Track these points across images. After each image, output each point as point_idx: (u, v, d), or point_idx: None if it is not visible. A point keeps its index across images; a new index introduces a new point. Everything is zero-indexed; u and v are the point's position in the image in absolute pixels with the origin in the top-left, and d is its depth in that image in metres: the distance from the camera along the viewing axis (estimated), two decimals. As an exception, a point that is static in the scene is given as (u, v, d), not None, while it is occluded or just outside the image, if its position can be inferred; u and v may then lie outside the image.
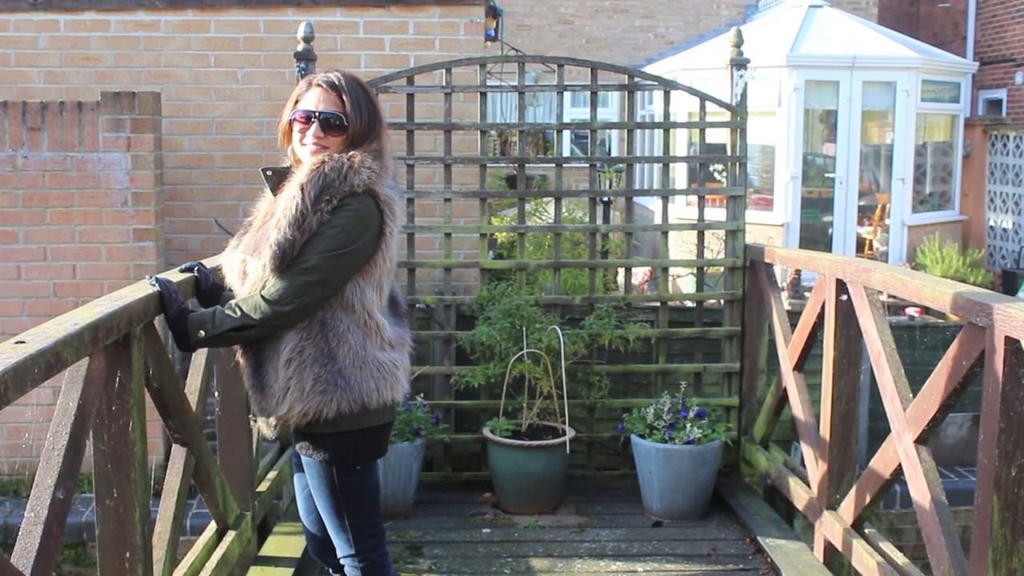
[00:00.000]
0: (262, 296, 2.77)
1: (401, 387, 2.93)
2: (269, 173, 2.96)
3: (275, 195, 2.89)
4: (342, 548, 2.99)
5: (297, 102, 2.91)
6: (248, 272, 2.83)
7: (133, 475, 2.75)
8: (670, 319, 5.61)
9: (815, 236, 10.73)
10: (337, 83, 2.86)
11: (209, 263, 3.58)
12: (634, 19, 15.87)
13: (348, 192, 2.76)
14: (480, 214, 5.56)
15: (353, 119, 2.84)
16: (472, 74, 5.90)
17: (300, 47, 5.25)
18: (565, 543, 4.72)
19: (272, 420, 2.86)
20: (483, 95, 5.50)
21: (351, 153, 2.81)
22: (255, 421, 3.06)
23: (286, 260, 2.75)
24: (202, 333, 2.82)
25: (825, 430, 4.17)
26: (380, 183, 2.83)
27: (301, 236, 2.74)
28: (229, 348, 3.99)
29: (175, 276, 3.24)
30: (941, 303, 3.15)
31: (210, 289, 3.16)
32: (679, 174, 10.81)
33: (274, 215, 2.81)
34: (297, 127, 2.89)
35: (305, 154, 2.87)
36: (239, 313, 2.78)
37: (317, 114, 2.84)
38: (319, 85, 2.87)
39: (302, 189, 2.75)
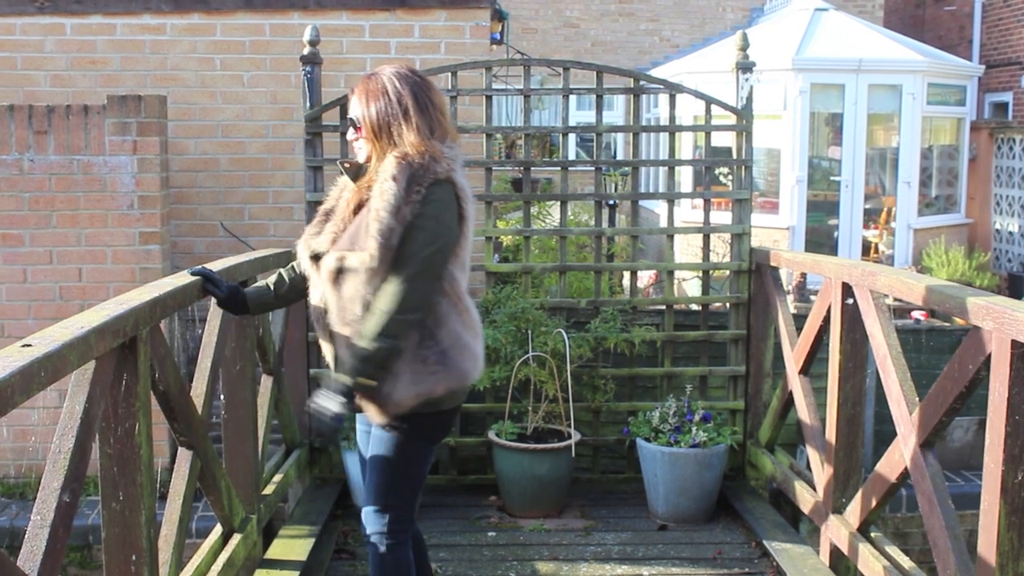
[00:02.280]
0: (389, 311, 2.88)
1: (480, 370, 3.13)
2: (347, 165, 3.13)
3: (355, 184, 3.07)
4: (369, 510, 3.14)
5: None
6: (348, 267, 2.95)
7: (139, 478, 2.76)
8: (676, 322, 5.61)
9: (821, 239, 10.72)
10: (357, 86, 3.06)
11: (215, 266, 3.59)
12: (639, 22, 15.87)
13: (432, 180, 2.93)
14: (485, 217, 5.56)
15: (362, 118, 3.02)
16: (478, 77, 5.91)
17: (306, 50, 5.25)
18: (570, 546, 4.72)
19: (388, 406, 2.99)
20: (489, 98, 5.50)
21: (430, 143, 2.97)
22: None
23: (390, 250, 2.88)
24: (370, 382, 2.94)
25: (831, 434, 4.16)
26: (457, 170, 3.01)
27: (398, 225, 2.88)
28: (236, 349, 4.00)
29: (183, 279, 3.26)
30: (947, 307, 3.15)
31: (230, 295, 3.30)
32: (684, 177, 10.80)
33: (367, 208, 2.96)
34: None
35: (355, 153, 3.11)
36: (384, 342, 2.89)
37: (350, 118, 3.07)
38: (353, 91, 3.08)
39: (395, 179, 2.90)
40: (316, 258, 3.07)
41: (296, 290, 3.35)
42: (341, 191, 3.17)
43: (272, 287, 3.35)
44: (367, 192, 3.00)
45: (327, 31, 6.64)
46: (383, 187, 2.91)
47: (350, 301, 2.96)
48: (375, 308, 2.91)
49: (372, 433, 3.16)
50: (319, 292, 3.11)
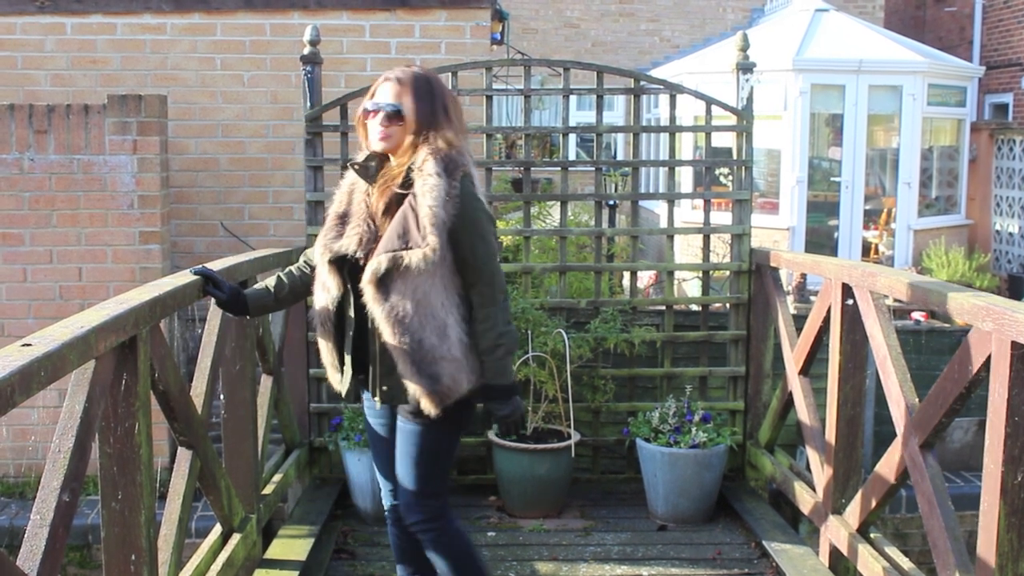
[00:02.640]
0: (488, 308, 3.12)
1: None
2: (357, 167, 3.18)
3: (372, 184, 3.13)
4: (410, 504, 3.25)
5: (372, 96, 3.16)
6: (407, 266, 2.99)
7: (139, 478, 2.76)
8: (675, 323, 5.60)
9: (821, 240, 10.72)
10: (403, 78, 3.11)
11: (215, 266, 3.59)
12: (640, 23, 15.87)
13: (463, 173, 3.08)
14: (485, 217, 5.55)
15: (412, 111, 3.08)
16: (478, 77, 5.91)
17: (306, 50, 5.25)
18: (570, 547, 4.72)
19: (448, 397, 3.09)
20: (489, 98, 5.50)
21: (463, 141, 3.14)
22: (380, 398, 3.21)
23: (444, 243, 3.01)
24: (505, 380, 3.19)
25: (831, 434, 4.16)
26: (472, 165, 3.17)
27: (449, 219, 3.01)
28: (236, 349, 4.00)
29: (183, 279, 3.26)
30: (947, 307, 3.15)
31: (231, 296, 3.32)
32: (685, 178, 10.80)
33: (410, 205, 3.02)
34: (369, 118, 3.14)
35: (372, 142, 3.13)
36: (503, 342, 3.14)
37: (381, 105, 3.09)
38: (388, 79, 3.13)
39: (439, 175, 3.02)
40: (336, 262, 3.12)
41: (295, 293, 3.41)
42: (350, 193, 3.20)
43: (272, 290, 3.37)
44: (395, 189, 3.06)
45: (327, 31, 6.65)
46: (430, 183, 3.00)
47: (401, 299, 3.02)
48: (488, 306, 3.11)
49: (403, 427, 3.23)
50: (332, 295, 3.16)
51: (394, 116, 3.08)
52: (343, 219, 3.15)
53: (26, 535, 2.24)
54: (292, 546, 4.44)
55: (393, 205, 3.07)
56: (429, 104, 3.09)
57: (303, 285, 3.40)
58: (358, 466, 4.97)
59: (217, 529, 3.86)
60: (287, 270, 3.43)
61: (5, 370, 2.01)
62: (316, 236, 4.94)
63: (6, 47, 7.16)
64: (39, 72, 7.16)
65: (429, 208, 2.98)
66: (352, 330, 3.18)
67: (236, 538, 3.86)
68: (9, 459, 6.43)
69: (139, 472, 2.76)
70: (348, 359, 3.23)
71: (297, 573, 4.16)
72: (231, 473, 3.97)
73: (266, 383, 4.67)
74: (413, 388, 3.08)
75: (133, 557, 2.76)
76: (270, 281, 3.40)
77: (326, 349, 3.28)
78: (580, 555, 4.61)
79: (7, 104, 6.30)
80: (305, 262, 3.43)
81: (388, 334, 3.04)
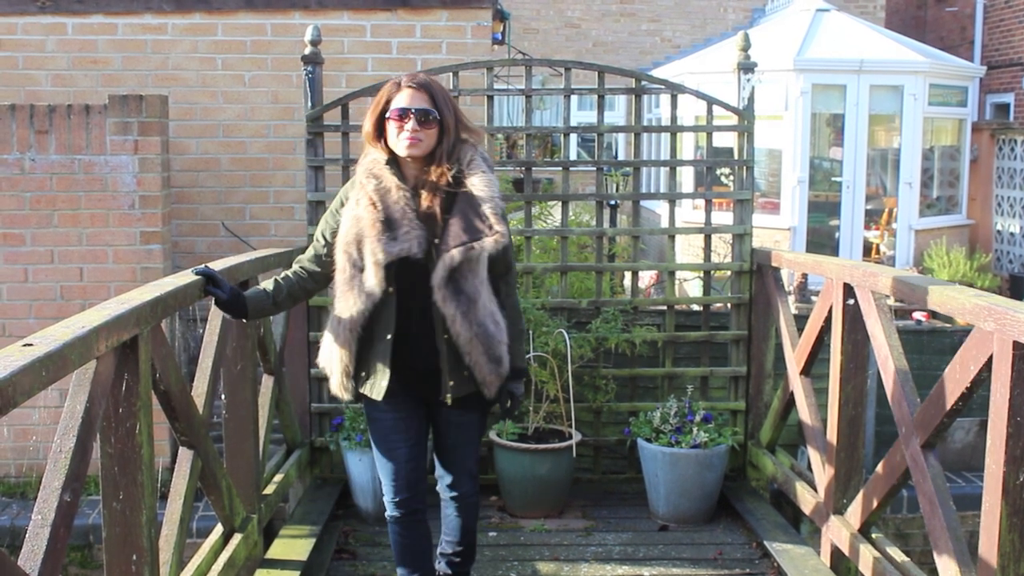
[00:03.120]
0: (514, 295, 3.46)
1: None
2: (391, 171, 3.26)
3: (408, 183, 3.23)
4: (470, 484, 3.53)
5: (387, 102, 3.22)
6: (476, 258, 3.18)
7: (140, 478, 2.76)
8: (677, 323, 5.60)
9: (822, 240, 10.72)
10: (424, 83, 3.22)
11: (216, 266, 3.59)
12: (641, 23, 15.87)
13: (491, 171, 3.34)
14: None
15: (445, 113, 3.20)
16: (479, 77, 5.91)
17: (307, 50, 5.25)
18: (571, 547, 4.72)
19: (499, 380, 3.31)
20: (490, 98, 5.50)
21: (476, 141, 3.31)
22: (448, 395, 3.31)
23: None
24: (524, 362, 3.53)
25: (832, 434, 4.16)
26: None
27: (503, 207, 3.26)
28: (237, 349, 4.00)
29: (184, 279, 3.26)
30: (948, 307, 3.15)
31: (231, 297, 3.35)
32: (686, 178, 10.80)
33: (469, 199, 3.19)
34: (393, 124, 3.19)
35: (401, 148, 3.19)
36: (523, 326, 3.56)
37: (412, 110, 3.16)
38: (410, 86, 3.20)
39: (491, 168, 3.29)
40: (388, 266, 3.16)
41: (293, 298, 3.47)
42: (382, 197, 3.20)
43: (271, 294, 3.40)
44: (446, 186, 3.19)
45: (328, 31, 6.65)
46: (486, 178, 3.22)
47: (472, 291, 3.19)
48: (513, 294, 3.43)
49: (459, 420, 3.40)
50: (373, 299, 3.19)
51: (427, 120, 3.16)
52: (389, 224, 3.16)
53: (27, 535, 2.24)
54: (293, 546, 4.44)
55: (445, 204, 3.20)
56: (450, 107, 3.22)
57: (301, 291, 3.45)
58: (359, 466, 4.97)
59: (218, 529, 3.86)
60: (284, 275, 3.45)
61: (6, 370, 2.01)
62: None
63: (7, 47, 7.16)
64: (40, 72, 7.16)
65: (492, 199, 3.18)
66: (392, 333, 3.22)
67: (237, 538, 3.86)
68: (10, 459, 6.43)
69: (140, 472, 2.76)
70: (386, 363, 3.26)
71: (298, 573, 4.16)
72: (232, 473, 3.97)
73: (267, 383, 4.67)
74: (483, 376, 3.25)
75: (134, 557, 2.76)
76: (268, 285, 3.42)
77: (346, 356, 3.29)
78: (581, 555, 4.61)
79: (8, 104, 6.31)
80: (303, 268, 3.44)
81: (463, 327, 3.17)
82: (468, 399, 3.33)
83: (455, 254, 3.13)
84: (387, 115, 3.19)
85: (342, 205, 3.34)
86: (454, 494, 3.53)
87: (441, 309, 3.17)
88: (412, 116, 3.15)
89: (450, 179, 3.19)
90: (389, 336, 3.23)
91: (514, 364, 3.37)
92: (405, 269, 3.17)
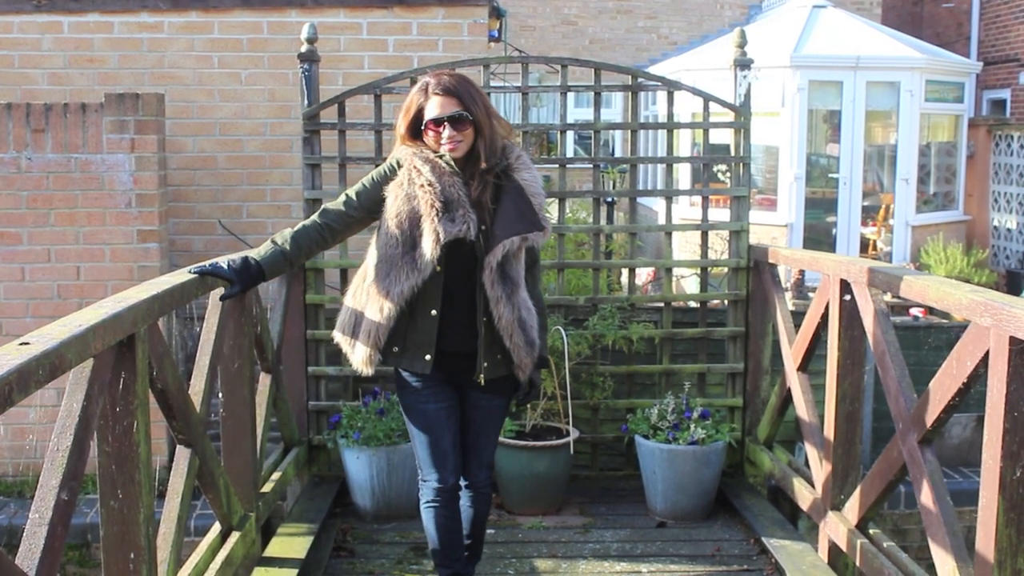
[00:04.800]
0: (539, 286, 3.59)
1: None
2: (445, 163, 3.36)
3: (458, 176, 3.33)
4: (486, 475, 3.65)
5: (420, 110, 3.35)
6: (528, 247, 3.41)
7: (137, 476, 2.76)
8: (674, 320, 5.60)
9: (819, 236, 10.72)
10: (451, 87, 3.31)
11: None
12: (637, 20, 15.86)
13: None
14: (484, 215, 5.54)
15: (475, 112, 3.31)
16: (475, 75, 5.88)
17: (304, 48, 5.25)
18: (569, 544, 4.72)
19: (532, 364, 3.46)
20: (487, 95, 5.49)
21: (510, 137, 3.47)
22: (481, 377, 3.42)
23: None
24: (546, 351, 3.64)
25: (829, 431, 4.17)
26: None
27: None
28: (234, 347, 4.00)
29: (181, 277, 3.27)
30: (945, 303, 3.15)
31: (242, 284, 3.41)
32: (683, 175, 10.80)
33: (518, 192, 3.35)
34: (431, 133, 3.33)
35: (444, 151, 3.33)
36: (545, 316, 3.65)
37: (445, 118, 3.29)
38: (437, 94, 3.31)
39: (532, 165, 3.45)
40: (444, 245, 3.26)
41: (308, 255, 3.54)
42: (439, 177, 3.30)
43: (288, 258, 3.44)
44: (491, 177, 3.33)
45: (325, 29, 6.64)
46: (533, 174, 3.41)
47: (516, 277, 3.36)
48: (538, 285, 3.56)
49: (488, 403, 3.52)
50: (423, 276, 3.28)
51: (461, 121, 3.29)
52: (448, 206, 3.27)
53: (25, 534, 2.24)
54: (291, 544, 4.44)
55: (494, 194, 3.34)
56: (479, 104, 3.33)
57: (318, 247, 3.51)
58: (357, 464, 4.97)
59: (216, 527, 3.86)
60: (303, 229, 3.46)
61: (3, 369, 2.01)
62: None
63: (3, 46, 7.15)
64: (36, 71, 7.15)
65: (540, 195, 3.38)
66: (437, 309, 3.32)
67: (235, 536, 3.86)
68: (7, 458, 6.43)
69: (138, 471, 2.75)
70: (431, 338, 3.35)
71: (296, 571, 4.16)
72: (230, 471, 3.97)
73: (264, 381, 4.67)
74: (519, 358, 3.40)
75: (132, 555, 2.76)
76: (287, 244, 3.42)
77: (382, 329, 3.35)
78: (579, 552, 4.62)
79: (4, 103, 6.30)
80: (327, 224, 3.46)
81: (506, 309, 3.31)
82: (497, 383, 3.46)
83: (513, 241, 3.29)
84: (423, 126, 3.33)
85: (385, 176, 3.40)
86: (468, 482, 3.62)
87: (487, 291, 3.30)
88: (447, 124, 3.29)
89: (499, 171, 3.35)
90: (434, 312, 3.33)
91: (540, 352, 3.50)
92: (453, 251, 3.28)
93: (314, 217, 3.49)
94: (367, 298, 3.40)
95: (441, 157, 3.33)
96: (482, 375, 3.39)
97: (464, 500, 3.65)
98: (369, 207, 3.43)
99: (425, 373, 3.39)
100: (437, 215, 3.24)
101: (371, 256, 3.43)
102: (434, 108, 3.31)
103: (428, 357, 3.36)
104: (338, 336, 3.52)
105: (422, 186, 3.28)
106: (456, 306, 3.35)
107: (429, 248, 3.25)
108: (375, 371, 3.42)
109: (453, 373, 3.44)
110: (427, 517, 3.58)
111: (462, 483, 3.60)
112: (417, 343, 3.37)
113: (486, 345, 3.37)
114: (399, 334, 3.37)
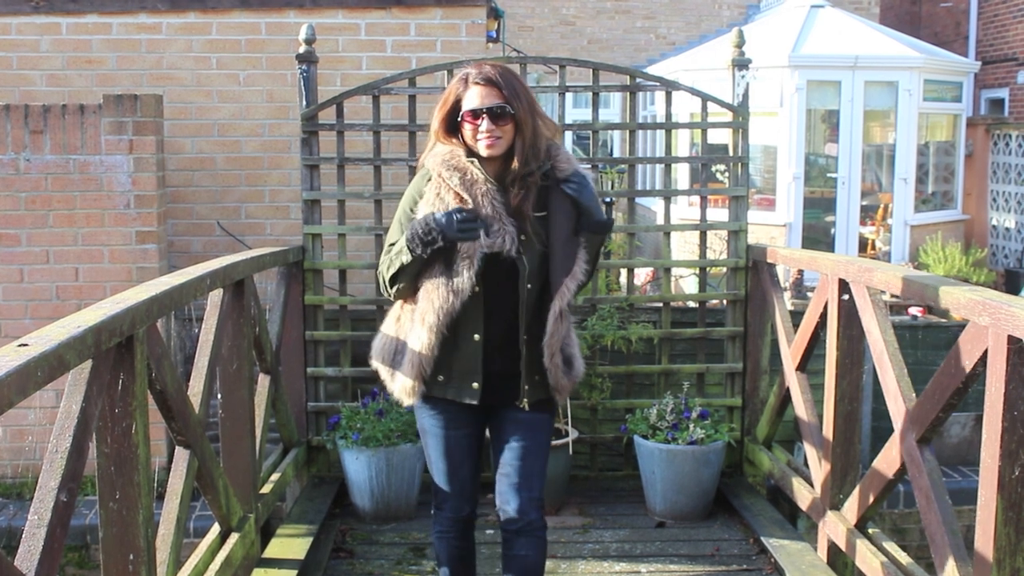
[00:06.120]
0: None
1: None
2: (477, 169, 3.09)
3: (491, 182, 3.07)
4: (539, 512, 3.22)
5: (457, 101, 3.07)
6: (586, 254, 3.14)
7: (136, 478, 2.76)
8: (673, 320, 5.60)
9: (818, 236, 10.73)
10: (493, 78, 3.03)
11: (210, 266, 3.57)
12: (636, 20, 15.86)
13: None
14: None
15: (517, 106, 3.02)
16: (474, 75, 5.88)
17: (302, 49, 5.25)
18: (568, 544, 4.72)
19: (570, 386, 3.24)
20: (485, 96, 5.49)
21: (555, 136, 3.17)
22: (523, 401, 3.19)
23: None
24: None
25: (828, 430, 4.17)
26: None
27: None
28: (233, 348, 4.00)
29: (179, 278, 3.26)
30: (944, 302, 3.15)
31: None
32: (681, 175, 10.81)
33: (568, 201, 3.10)
34: (468, 126, 3.06)
35: (481, 147, 3.05)
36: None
37: (484, 110, 3.02)
38: (477, 83, 3.04)
39: (577, 162, 3.17)
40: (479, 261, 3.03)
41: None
42: (470, 188, 3.05)
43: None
44: (533, 182, 3.06)
45: (323, 29, 6.64)
46: (583, 175, 3.13)
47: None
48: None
49: (530, 419, 3.20)
50: (462, 297, 3.04)
51: (502, 115, 3.02)
52: (477, 216, 3.03)
53: (24, 535, 2.24)
54: (290, 545, 4.44)
55: (538, 201, 3.09)
56: (523, 98, 3.05)
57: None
58: (356, 465, 4.97)
59: (215, 528, 3.86)
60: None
61: (2, 370, 2.01)
62: (312, 234, 4.93)
63: (1, 47, 7.14)
64: (35, 72, 7.14)
65: (591, 195, 3.10)
66: (481, 333, 3.09)
67: (234, 537, 3.86)
68: (6, 460, 6.42)
69: (137, 472, 2.75)
70: (477, 365, 3.12)
71: (296, 572, 4.16)
72: (229, 472, 3.96)
73: (264, 382, 4.67)
74: (556, 380, 3.16)
75: (131, 557, 2.76)
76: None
77: (425, 358, 3.11)
78: (579, 552, 4.62)
79: (3, 104, 6.30)
80: None
81: (552, 329, 3.09)
82: (536, 403, 3.21)
83: (573, 245, 3.12)
84: (460, 117, 3.06)
85: (415, 203, 3.14)
86: (519, 524, 3.19)
87: (553, 307, 3.07)
88: (485, 116, 3.01)
89: (540, 175, 3.08)
90: (477, 336, 3.10)
91: (577, 374, 3.30)
92: (491, 266, 3.05)
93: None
94: (407, 325, 3.17)
95: (472, 162, 3.06)
96: (526, 399, 3.16)
97: (516, 546, 3.21)
98: None
99: (474, 403, 3.16)
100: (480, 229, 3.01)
101: None
102: (473, 99, 3.03)
103: (476, 385, 3.13)
104: (376, 365, 3.31)
105: (451, 200, 3.05)
106: (496, 324, 3.11)
107: (464, 268, 3.02)
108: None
109: (487, 394, 3.17)
110: (440, 548, 3.37)
111: (515, 526, 3.20)
112: (463, 371, 3.14)
113: (527, 367, 3.14)
114: (443, 362, 3.13)
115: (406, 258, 3.04)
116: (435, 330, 3.07)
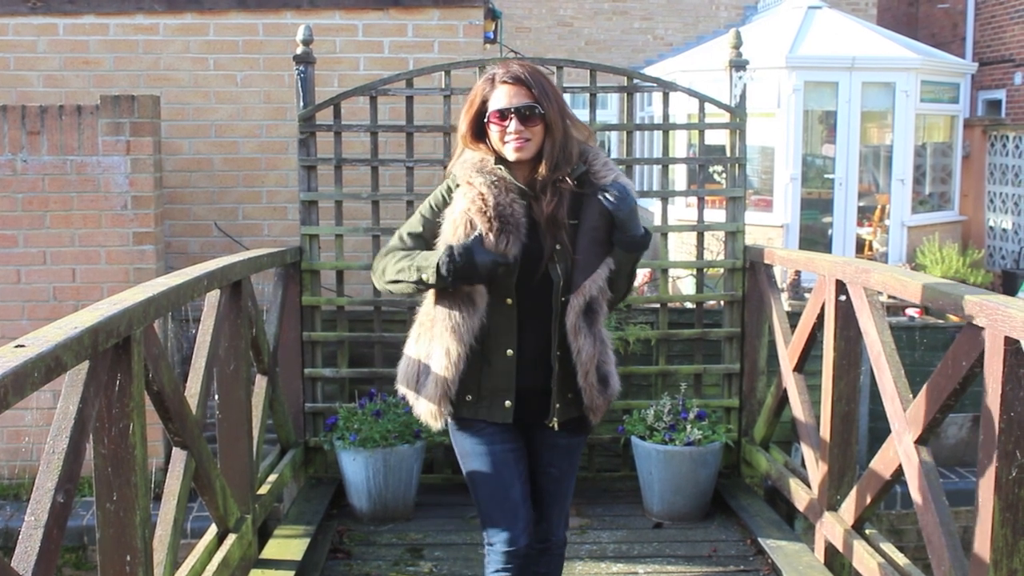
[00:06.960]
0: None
1: None
2: (503, 175, 2.92)
3: (512, 190, 2.89)
4: (563, 531, 3.17)
5: (484, 103, 2.92)
6: (614, 264, 2.96)
7: (133, 478, 2.75)
8: (670, 320, 5.61)
9: (815, 237, 10.73)
10: (522, 76, 2.88)
11: (208, 267, 3.57)
12: (633, 21, 15.87)
13: None
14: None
15: (547, 107, 2.87)
16: (471, 76, 5.88)
17: (299, 50, 5.25)
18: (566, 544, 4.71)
19: (605, 406, 3.04)
20: (482, 97, 5.49)
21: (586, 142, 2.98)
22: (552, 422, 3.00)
23: None
24: None
25: (825, 431, 4.17)
26: None
27: None
28: (230, 349, 4.00)
29: (176, 279, 3.25)
30: (941, 304, 3.15)
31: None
32: (678, 175, 10.80)
33: (599, 207, 2.89)
34: (495, 127, 2.90)
35: (509, 150, 2.89)
36: None
37: (512, 110, 2.86)
38: (505, 82, 2.88)
39: (615, 167, 2.99)
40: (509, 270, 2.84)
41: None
42: (497, 196, 2.87)
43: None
44: (566, 187, 2.88)
45: (320, 30, 6.63)
46: (622, 181, 2.93)
47: (600, 304, 2.96)
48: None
49: (565, 443, 3.06)
50: (479, 313, 2.88)
51: (531, 116, 2.86)
52: (503, 227, 2.85)
53: (21, 537, 2.24)
54: (288, 546, 4.44)
55: (572, 207, 2.91)
56: (552, 99, 2.90)
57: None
58: (353, 466, 4.97)
59: (212, 529, 3.86)
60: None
61: (-1, 371, 2.01)
62: (309, 235, 4.93)
63: (-1, 48, 7.15)
64: (32, 73, 7.14)
65: (629, 202, 2.88)
66: (513, 348, 2.91)
67: (231, 538, 3.86)
68: (3, 461, 6.41)
69: (134, 473, 2.75)
70: (510, 382, 2.94)
71: (293, 573, 4.15)
72: (226, 473, 3.96)
73: (261, 383, 4.67)
74: (590, 399, 2.97)
75: (128, 558, 2.76)
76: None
77: (450, 377, 2.91)
78: (576, 553, 4.61)
79: (0, 105, 6.29)
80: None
81: (586, 342, 2.90)
82: (570, 423, 3.02)
83: (595, 285, 2.91)
84: (486, 118, 2.90)
85: (438, 207, 3.00)
86: (548, 543, 3.12)
87: (566, 321, 2.89)
88: (513, 116, 2.84)
89: (574, 181, 2.89)
90: (510, 352, 2.90)
91: (613, 392, 3.08)
92: (524, 277, 2.88)
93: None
94: (431, 343, 2.96)
95: (501, 168, 2.90)
96: (556, 419, 2.96)
97: (540, 563, 3.11)
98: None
99: (507, 423, 2.96)
100: (496, 239, 2.83)
101: (431, 294, 2.98)
102: (500, 98, 2.86)
103: (508, 404, 2.93)
104: (401, 388, 3.08)
105: (473, 200, 2.86)
106: (529, 338, 2.92)
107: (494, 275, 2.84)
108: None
109: (518, 412, 2.96)
110: None
111: (537, 544, 3.05)
112: (494, 388, 2.94)
113: (559, 384, 2.94)
114: (472, 380, 2.93)
115: (428, 277, 2.84)
116: (464, 345, 2.89)
